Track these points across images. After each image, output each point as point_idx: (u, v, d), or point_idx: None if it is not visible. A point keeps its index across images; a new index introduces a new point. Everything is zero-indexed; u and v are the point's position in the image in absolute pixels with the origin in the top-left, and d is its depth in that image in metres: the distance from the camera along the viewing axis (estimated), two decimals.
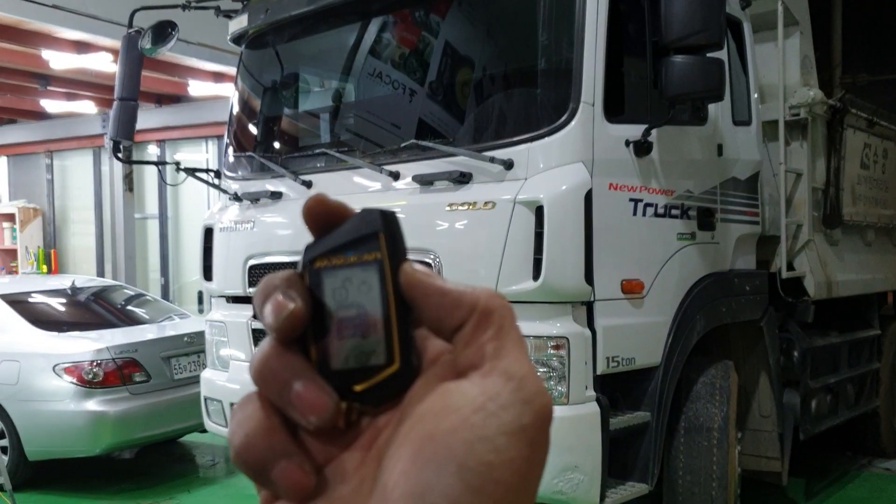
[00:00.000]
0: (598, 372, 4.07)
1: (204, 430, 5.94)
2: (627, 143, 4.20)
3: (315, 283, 0.48)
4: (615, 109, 4.21)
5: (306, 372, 0.47)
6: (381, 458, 0.46)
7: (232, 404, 5.19)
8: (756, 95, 5.16)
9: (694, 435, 4.68)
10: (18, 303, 7.32)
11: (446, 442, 0.43)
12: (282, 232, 4.99)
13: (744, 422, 5.32)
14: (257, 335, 5.09)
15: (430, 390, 0.47)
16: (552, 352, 3.95)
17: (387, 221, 0.48)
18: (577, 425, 3.95)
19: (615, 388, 4.27)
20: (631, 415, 4.32)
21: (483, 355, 0.46)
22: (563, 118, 4.07)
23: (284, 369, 0.47)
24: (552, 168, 4.05)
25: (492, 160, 4.09)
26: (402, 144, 4.45)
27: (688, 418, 4.70)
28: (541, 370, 3.90)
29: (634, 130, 4.21)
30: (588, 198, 4.00)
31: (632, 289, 4.26)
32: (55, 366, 6.59)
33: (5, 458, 6.48)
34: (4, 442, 6.76)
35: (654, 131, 4.22)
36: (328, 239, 0.48)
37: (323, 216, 0.49)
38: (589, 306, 4.07)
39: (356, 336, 0.47)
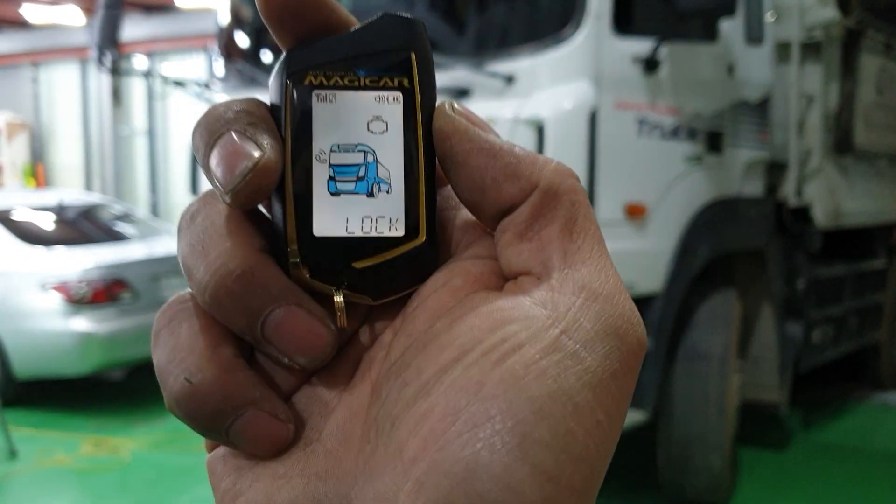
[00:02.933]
0: None
1: None
2: (635, 60, 4.02)
3: (299, 107, 0.31)
4: (623, 23, 4.01)
5: (290, 292, 0.31)
6: (377, 392, 0.32)
7: None
8: (770, 13, 4.92)
9: (693, 363, 4.59)
10: (5, 218, 7.15)
11: (505, 399, 0.28)
12: None
13: (745, 351, 5.23)
14: None
15: (459, 300, 0.31)
16: None
17: (420, 38, 0.32)
18: None
19: None
20: None
21: (548, 258, 0.32)
22: (569, 31, 3.87)
23: (256, 291, 0.30)
24: (556, 85, 3.88)
25: (492, 75, 3.90)
26: None
27: (687, 346, 4.60)
28: None
29: (643, 46, 4.02)
30: (593, 117, 3.84)
31: (634, 213, 4.13)
32: (43, 283, 6.46)
33: None
34: None
35: (663, 48, 4.02)
36: (326, 44, 0.31)
37: (298, 11, 0.31)
38: None
39: (360, 192, 0.32)
